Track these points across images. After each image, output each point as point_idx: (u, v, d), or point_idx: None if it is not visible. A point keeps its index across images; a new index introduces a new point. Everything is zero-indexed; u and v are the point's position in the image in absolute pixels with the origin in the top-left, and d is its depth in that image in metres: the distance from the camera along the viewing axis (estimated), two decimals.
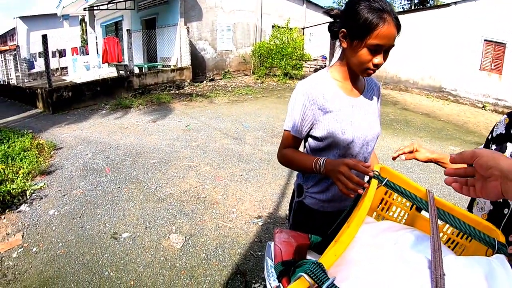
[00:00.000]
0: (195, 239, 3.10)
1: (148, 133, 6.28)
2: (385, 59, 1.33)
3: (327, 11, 1.44)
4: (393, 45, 1.30)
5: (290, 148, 1.49)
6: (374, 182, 1.14)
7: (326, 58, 16.01)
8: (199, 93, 10.11)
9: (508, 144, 1.34)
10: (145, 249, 2.95)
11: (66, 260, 2.83)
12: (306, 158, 1.41)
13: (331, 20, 1.46)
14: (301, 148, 1.55)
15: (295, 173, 5.10)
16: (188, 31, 11.32)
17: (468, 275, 0.97)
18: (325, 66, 15.61)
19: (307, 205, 1.58)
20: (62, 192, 4.01)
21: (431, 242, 0.98)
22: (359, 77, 1.50)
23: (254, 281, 2.60)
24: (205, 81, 12.10)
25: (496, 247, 1.10)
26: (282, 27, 13.57)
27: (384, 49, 1.29)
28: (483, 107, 12.76)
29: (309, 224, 1.61)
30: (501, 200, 1.28)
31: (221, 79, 12.70)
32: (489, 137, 1.45)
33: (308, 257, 1.37)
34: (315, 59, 15.53)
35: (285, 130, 1.50)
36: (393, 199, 1.26)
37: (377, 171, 1.19)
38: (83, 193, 3.93)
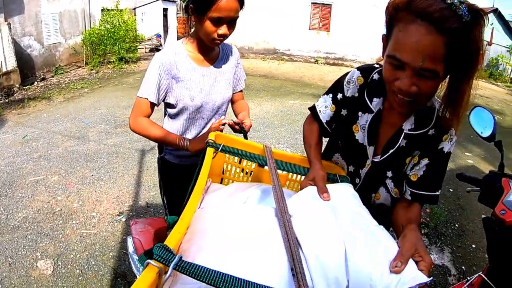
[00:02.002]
0: (64, 258, 2.80)
1: None
2: (231, 30, 1.48)
3: None
4: (235, 17, 1.45)
5: (146, 119, 1.57)
6: (210, 150, 1.16)
7: (160, 36, 15.62)
8: (32, 97, 8.86)
9: (360, 114, 1.22)
10: None
11: None
12: (166, 134, 1.58)
13: None
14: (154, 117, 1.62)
15: (147, 161, 4.94)
16: (10, 28, 9.61)
17: (312, 206, 1.06)
18: (160, 44, 15.60)
19: (167, 160, 1.77)
20: None
21: (274, 192, 1.05)
22: (212, 48, 1.63)
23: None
24: (36, 82, 10.60)
25: (339, 180, 1.23)
26: (112, 10, 12.67)
27: (227, 21, 1.43)
28: (315, 61, 14.38)
29: (173, 179, 1.79)
30: (352, 169, 1.36)
31: (53, 76, 11.29)
32: (340, 96, 1.28)
33: None
34: (150, 39, 15.03)
35: (139, 97, 1.55)
36: (235, 161, 1.31)
37: (212, 140, 1.21)
38: None
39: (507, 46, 19.74)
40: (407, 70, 0.92)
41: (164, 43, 16.17)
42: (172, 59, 1.54)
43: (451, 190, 4.36)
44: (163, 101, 1.62)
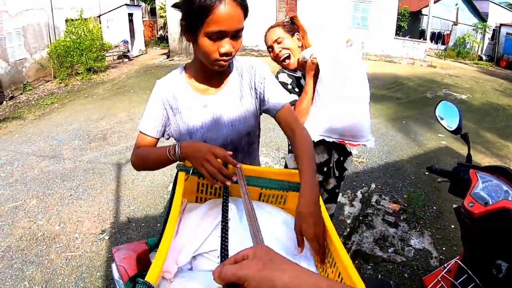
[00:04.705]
0: (52, 284, 2.77)
1: None
2: (236, 45, 1.17)
3: (176, 5, 1.21)
4: (240, 28, 1.13)
5: (142, 148, 1.33)
6: (181, 174, 1.17)
7: (127, 42, 15.36)
8: (1, 118, 8.57)
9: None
10: None
11: None
12: (159, 149, 1.25)
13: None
14: None
15: (124, 174, 4.89)
16: None
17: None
18: (128, 51, 15.42)
19: None
20: None
21: (246, 214, 1.06)
22: (219, 71, 1.30)
23: None
24: (4, 102, 10.24)
25: None
26: (77, 20, 12.38)
27: (230, 35, 1.12)
28: None
29: None
30: None
31: (21, 94, 10.94)
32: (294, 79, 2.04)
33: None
34: (117, 46, 14.75)
35: (140, 131, 1.35)
36: None
37: (182, 163, 1.22)
38: None
39: (473, 25, 20.27)
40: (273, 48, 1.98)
41: (132, 48, 15.93)
42: (171, 87, 1.32)
43: (427, 173, 4.49)
44: (164, 136, 1.40)
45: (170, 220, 0.96)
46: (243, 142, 1.40)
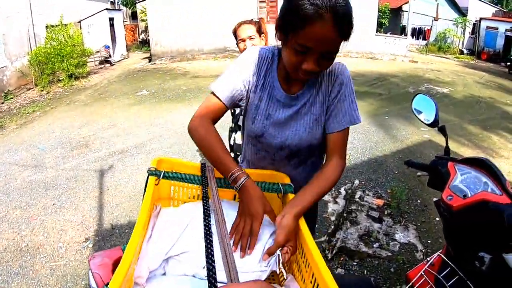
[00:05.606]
0: None
1: None
2: (323, 65, 1.06)
3: None
4: (332, 50, 1.03)
5: (215, 132, 1.19)
6: (152, 178, 1.15)
7: (109, 47, 15.21)
8: None
9: None
10: None
11: None
12: (226, 158, 1.13)
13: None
14: None
15: (106, 181, 4.81)
16: None
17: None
18: (110, 55, 15.27)
19: None
20: None
21: (215, 217, 1.06)
22: None
23: None
24: None
25: (282, 189, 1.23)
26: (57, 26, 12.20)
27: (318, 55, 1.01)
28: None
29: None
30: None
31: (2, 103, 10.70)
32: None
33: None
34: (98, 51, 14.61)
35: (212, 93, 1.24)
36: (180, 183, 1.30)
37: (153, 167, 1.20)
38: None
39: (453, 20, 20.59)
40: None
41: (113, 53, 15.78)
42: (264, 62, 1.23)
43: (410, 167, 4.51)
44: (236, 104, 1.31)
45: (137, 225, 0.95)
46: (301, 152, 1.31)
